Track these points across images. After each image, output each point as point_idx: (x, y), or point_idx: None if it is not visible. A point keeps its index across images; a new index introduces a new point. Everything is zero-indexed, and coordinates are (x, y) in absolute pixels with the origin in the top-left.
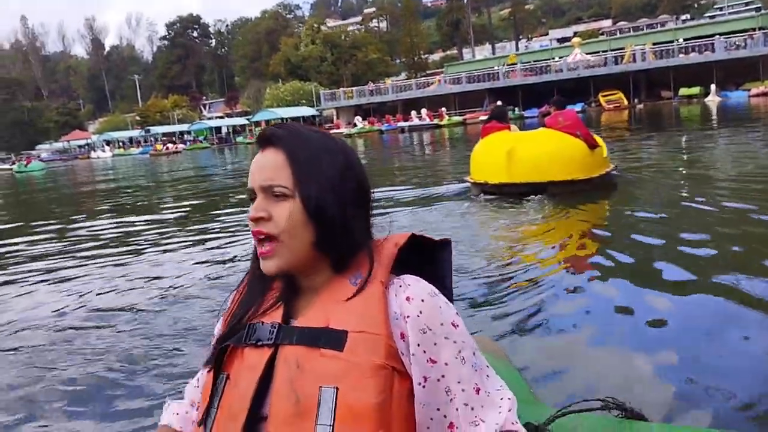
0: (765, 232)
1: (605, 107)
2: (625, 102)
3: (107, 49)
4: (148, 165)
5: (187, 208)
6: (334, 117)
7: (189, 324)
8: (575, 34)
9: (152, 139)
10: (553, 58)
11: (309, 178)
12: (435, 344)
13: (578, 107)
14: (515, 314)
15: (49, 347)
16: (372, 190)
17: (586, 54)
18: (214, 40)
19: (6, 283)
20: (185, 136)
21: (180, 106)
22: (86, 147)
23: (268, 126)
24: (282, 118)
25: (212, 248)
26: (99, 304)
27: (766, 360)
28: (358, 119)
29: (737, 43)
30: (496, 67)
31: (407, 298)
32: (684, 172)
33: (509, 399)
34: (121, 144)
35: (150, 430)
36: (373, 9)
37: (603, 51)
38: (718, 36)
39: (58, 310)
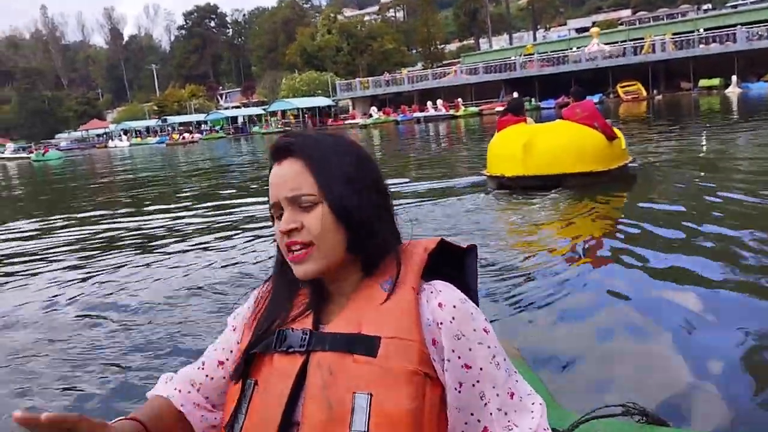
0: None
1: (623, 98)
2: (644, 93)
3: (126, 38)
4: (164, 154)
5: (202, 201)
6: (350, 107)
7: (200, 315)
8: (594, 23)
9: (169, 128)
10: (571, 49)
11: (331, 181)
12: (470, 350)
13: (596, 98)
14: (531, 313)
15: (46, 343)
16: (388, 186)
17: (605, 44)
18: (231, 30)
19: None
20: (202, 125)
21: (197, 96)
22: (104, 136)
23: (279, 138)
24: (297, 108)
25: (226, 242)
26: (110, 297)
27: None
28: (373, 110)
29: (759, 33)
30: (513, 58)
31: (439, 305)
32: (704, 165)
33: (540, 404)
34: (138, 133)
35: None
36: None
37: (622, 41)
38: (739, 26)
39: (56, 303)
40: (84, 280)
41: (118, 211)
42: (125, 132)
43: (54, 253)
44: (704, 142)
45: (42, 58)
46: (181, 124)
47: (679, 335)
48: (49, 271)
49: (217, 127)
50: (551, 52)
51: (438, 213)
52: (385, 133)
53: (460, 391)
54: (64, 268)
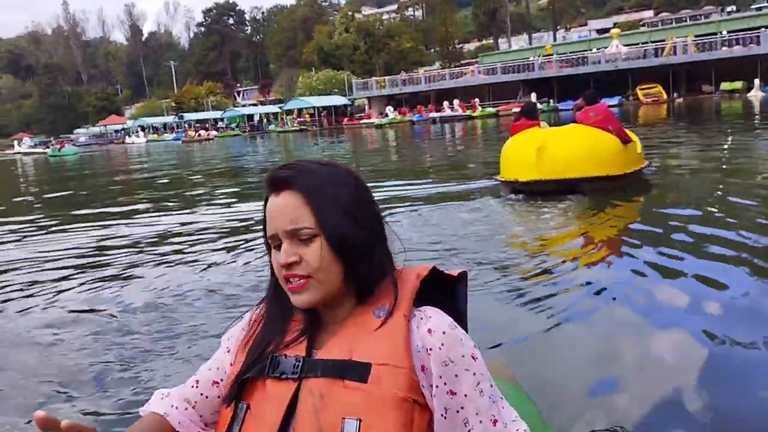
0: None
1: (643, 101)
2: (664, 96)
3: (145, 35)
4: (179, 152)
5: (215, 202)
6: (366, 106)
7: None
8: (615, 24)
9: (186, 125)
10: (591, 50)
11: (329, 214)
12: (456, 376)
13: (615, 100)
14: (534, 330)
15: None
16: (383, 213)
17: (625, 46)
18: (249, 27)
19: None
20: (218, 123)
21: (214, 93)
22: (122, 132)
23: (275, 169)
24: (313, 107)
25: (240, 246)
26: (121, 300)
27: None
28: (389, 109)
29: None
30: (531, 58)
31: (429, 330)
32: (724, 170)
33: (525, 430)
34: (154, 130)
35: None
36: None
37: (643, 43)
38: (763, 29)
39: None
40: (94, 282)
41: (131, 210)
42: (142, 128)
43: (59, 256)
44: (725, 147)
45: (63, 54)
46: (197, 121)
47: (689, 357)
48: (53, 273)
49: (233, 125)
50: (571, 52)
51: (450, 217)
52: (401, 133)
53: (445, 417)
54: (69, 272)
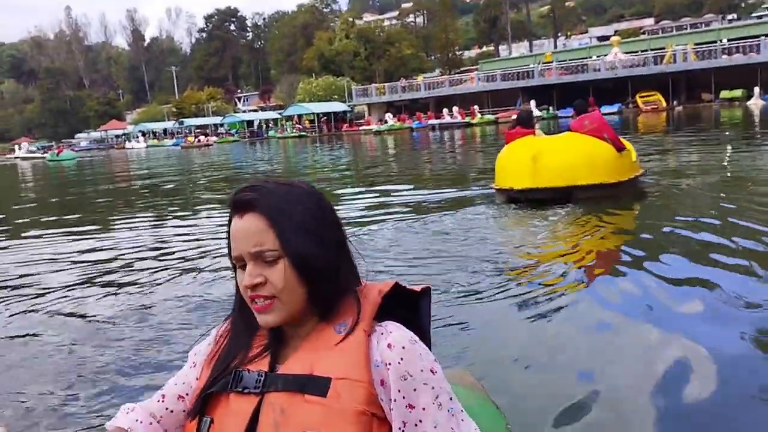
0: None
1: (643, 109)
2: (664, 104)
3: (147, 40)
4: (178, 157)
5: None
6: (366, 113)
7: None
8: (616, 32)
9: (186, 131)
10: (591, 57)
11: (293, 236)
12: (414, 390)
13: (615, 108)
14: (511, 342)
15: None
16: (346, 229)
17: (625, 53)
18: (251, 33)
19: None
20: (219, 128)
21: (215, 99)
22: (122, 137)
23: (239, 190)
24: (313, 113)
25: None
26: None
27: None
28: (388, 116)
29: None
30: (531, 65)
31: (388, 345)
32: (723, 179)
33: None
34: (154, 135)
35: None
36: (411, 4)
37: (643, 50)
38: (763, 37)
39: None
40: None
41: (115, 219)
42: (143, 133)
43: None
44: (724, 156)
45: (65, 59)
46: (197, 126)
47: (664, 380)
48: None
49: (233, 131)
50: (570, 60)
51: (444, 225)
52: (400, 140)
53: (403, 431)
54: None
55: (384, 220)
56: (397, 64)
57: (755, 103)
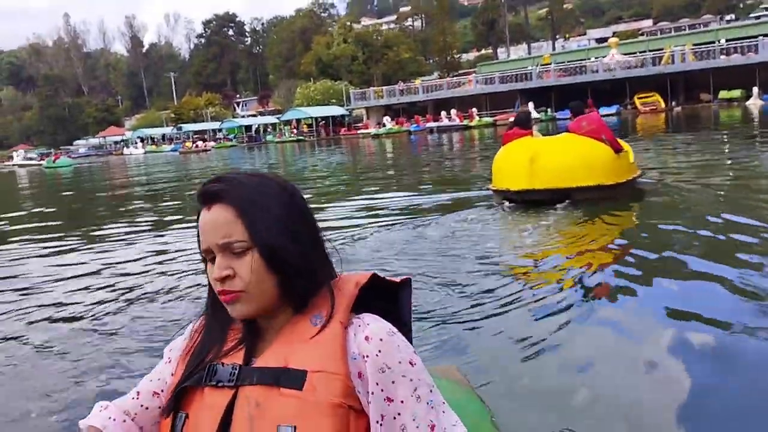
0: None
1: (641, 110)
2: (662, 105)
3: (146, 46)
4: (176, 163)
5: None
6: (364, 117)
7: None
8: (614, 34)
9: (184, 136)
10: (589, 59)
11: (261, 226)
12: (393, 382)
13: (613, 109)
14: (499, 339)
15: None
16: (318, 221)
17: (624, 54)
18: (249, 39)
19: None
20: (217, 134)
21: (213, 104)
22: (121, 143)
23: (207, 183)
24: (312, 117)
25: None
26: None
27: None
28: (386, 119)
29: None
30: (529, 68)
31: (366, 338)
32: (722, 180)
33: None
34: (153, 141)
35: None
36: (409, 8)
37: (641, 52)
38: (761, 37)
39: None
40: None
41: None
42: (141, 139)
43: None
44: (722, 156)
45: (64, 66)
46: (196, 132)
47: (658, 372)
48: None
49: (231, 136)
50: (569, 62)
51: (440, 227)
52: (398, 143)
53: (381, 424)
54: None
55: (380, 222)
56: (395, 67)
57: (754, 103)
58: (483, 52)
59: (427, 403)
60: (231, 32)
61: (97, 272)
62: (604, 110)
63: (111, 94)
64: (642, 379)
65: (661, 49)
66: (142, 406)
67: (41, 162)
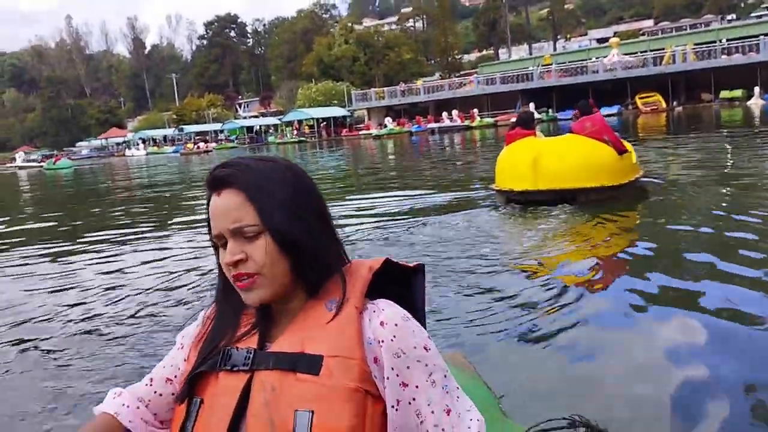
0: None
1: (642, 110)
2: (663, 104)
3: (148, 48)
4: (177, 165)
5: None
6: (366, 117)
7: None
8: (615, 34)
9: (186, 137)
10: (590, 59)
11: (272, 210)
12: (408, 367)
13: (614, 110)
14: (505, 329)
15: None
16: (329, 206)
17: (625, 55)
18: (251, 40)
19: None
20: (219, 135)
21: (215, 105)
22: (123, 144)
23: (216, 168)
24: (313, 118)
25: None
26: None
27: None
28: (388, 120)
29: None
30: (531, 68)
31: (381, 323)
32: (723, 179)
33: (478, 420)
34: (154, 142)
35: None
36: (410, 8)
37: (642, 52)
38: (762, 36)
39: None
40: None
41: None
42: (143, 141)
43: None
44: (724, 156)
45: (66, 67)
46: (197, 133)
47: (656, 363)
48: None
49: (233, 137)
50: (570, 62)
51: (442, 227)
52: (399, 144)
53: (397, 409)
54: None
55: (381, 222)
56: (396, 68)
57: (755, 103)
58: (484, 52)
59: (443, 388)
60: (233, 33)
61: (94, 274)
62: (605, 110)
63: (113, 96)
64: (646, 370)
65: (662, 49)
66: (155, 392)
67: (42, 164)
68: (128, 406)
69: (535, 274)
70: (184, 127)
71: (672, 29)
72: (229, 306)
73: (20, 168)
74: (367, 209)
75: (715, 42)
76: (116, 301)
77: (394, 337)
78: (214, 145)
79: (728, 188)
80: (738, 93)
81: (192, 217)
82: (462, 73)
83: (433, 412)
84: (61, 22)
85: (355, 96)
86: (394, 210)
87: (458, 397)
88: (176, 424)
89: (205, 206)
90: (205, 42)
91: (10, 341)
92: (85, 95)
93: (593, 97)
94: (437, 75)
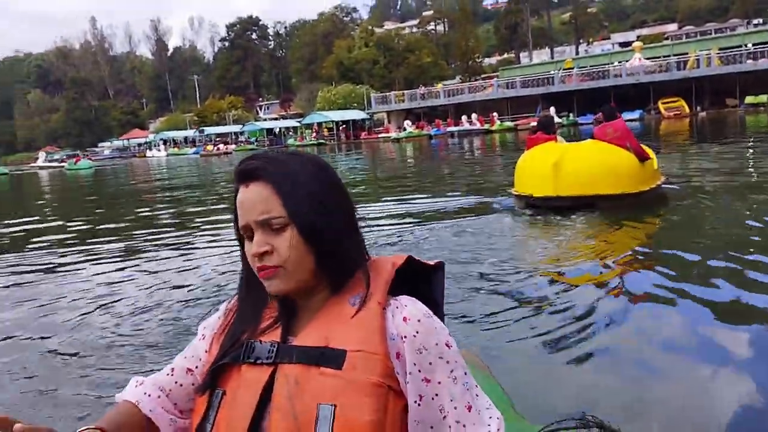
0: None
1: (665, 115)
2: (687, 110)
3: (171, 50)
4: (197, 166)
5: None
6: (385, 120)
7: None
8: (638, 37)
9: (206, 139)
10: (612, 63)
11: (299, 203)
12: (430, 364)
13: (637, 114)
14: (522, 331)
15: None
16: (354, 203)
17: (647, 59)
18: (272, 42)
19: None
20: (239, 137)
21: (236, 107)
22: (144, 145)
23: (244, 161)
24: (333, 121)
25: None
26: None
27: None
28: (407, 123)
29: None
30: (552, 72)
31: (404, 319)
32: (746, 186)
33: (498, 418)
34: (175, 143)
35: None
36: (431, 12)
37: (665, 56)
38: None
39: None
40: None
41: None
42: (164, 142)
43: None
44: (749, 163)
45: (90, 69)
46: (217, 135)
47: (667, 364)
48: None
49: (252, 139)
50: (592, 66)
51: (462, 232)
52: (418, 147)
53: (419, 404)
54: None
55: (399, 225)
56: (416, 71)
57: None
58: (506, 56)
59: (463, 385)
60: (254, 36)
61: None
62: (627, 115)
63: (136, 97)
64: (659, 373)
65: (686, 54)
66: (176, 383)
67: (62, 164)
68: (150, 395)
69: (551, 278)
70: (204, 128)
71: (696, 33)
72: (252, 299)
73: (41, 168)
74: (384, 212)
75: (740, 46)
76: (143, 303)
77: (417, 333)
78: (233, 146)
79: (753, 196)
80: (764, 98)
81: (212, 218)
82: (483, 76)
83: (455, 407)
84: (85, 23)
85: (374, 99)
86: (411, 213)
87: (477, 395)
88: (197, 414)
89: (226, 204)
90: (226, 44)
91: (35, 338)
92: (109, 96)
93: (615, 102)
94: (457, 78)
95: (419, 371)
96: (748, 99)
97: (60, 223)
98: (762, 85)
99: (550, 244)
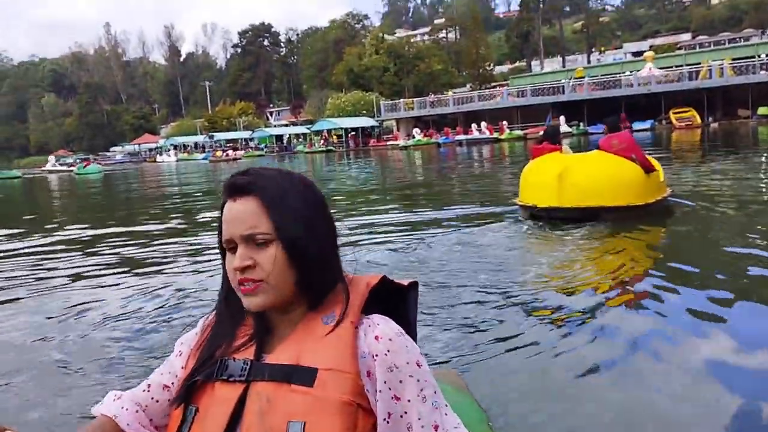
0: None
1: (676, 125)
2: (698, 120)
3: (183, 55)
4: (205, 172)
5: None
6: (394, 128)
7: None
8: (651, 47)
9: (216, 144)
10: (624, 72)
11: (285, 220)
12: (400, 382)
13: (647, 124)
14: (511, 346)
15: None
16: (336, 222)
17: (660, 68)
18: (284, 49)
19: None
20: (249, 142)
21: (246, 113)
22: (155, 150)
23: (234, 175)
24: (342, 128)
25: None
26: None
27: None
28: (416, 131)
29: None
30: (563, 81)
31: (376, 337)
32: (754, 200)
33: None
34: (185, 148)
35: None
36: (443, 20)
37: (677, 66)
38: None
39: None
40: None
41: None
42: (174, 147)
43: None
44: (757, 175)
45: (104, 74)
46: (228, 140)
47: (663, 382)
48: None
49: (262, 145)
50: (603, 75)
51: (464, 242)
52: (426, 155)
53: (388, 422)
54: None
55: (401, 237)
56: (426, 79)
57: None
58: (517, 64)
59: (432, 404)
60: (266, 42)
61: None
62: (638, 125)
63: (148, 102)
64: (646, 391)
65: (699, 64)
66: (152, 398)
67: (72, 168)
68: (127, 410)
69: (547, 291)
70: (214, 134)
71: (710, 43)
72: (230, 314)
73: (50, 172)
74: (387, 220)
75: (754, 57)
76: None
77: (388, 351)
78: (242, 153)
79: (762, 210)
80: None
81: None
82: (494, 84)
83: (423, 426)
84: (100, 29)
85: (384, 106)
86: (413, 221)
87: (446, 414)
88: (171, 430)
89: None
90: (239, 50)
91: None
92: (121, 101)
93: (626, 111)
94: (468, 86)
95: (389, 389)
96: (761, 110)
97: (56, 226)
98: None
99: (549, 255)
